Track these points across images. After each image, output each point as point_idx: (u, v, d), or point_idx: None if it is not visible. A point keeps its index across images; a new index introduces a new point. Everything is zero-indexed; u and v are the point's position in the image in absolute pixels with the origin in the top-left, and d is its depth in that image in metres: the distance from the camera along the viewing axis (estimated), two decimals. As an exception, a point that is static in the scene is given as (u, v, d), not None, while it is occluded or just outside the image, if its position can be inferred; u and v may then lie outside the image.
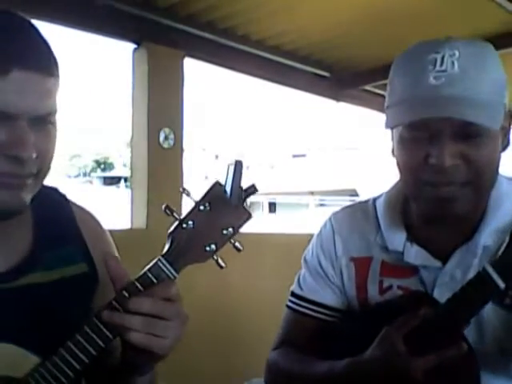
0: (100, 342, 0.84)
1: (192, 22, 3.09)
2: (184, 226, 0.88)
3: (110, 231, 1.09)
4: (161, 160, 3.16)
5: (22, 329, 0.88)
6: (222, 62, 3.58)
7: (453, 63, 0.96)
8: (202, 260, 0.89)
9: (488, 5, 2.88)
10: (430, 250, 1.10)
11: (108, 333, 0.85)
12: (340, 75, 4.05)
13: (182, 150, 3.30)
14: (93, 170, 29.03)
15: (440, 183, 0.98)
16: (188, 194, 0.89)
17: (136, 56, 3.15)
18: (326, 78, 4.07)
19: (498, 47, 3.87)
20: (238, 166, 0.88)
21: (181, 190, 0.89)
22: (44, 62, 0.82)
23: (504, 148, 1.04)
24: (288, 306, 1.28)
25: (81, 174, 27.91)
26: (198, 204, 0.89)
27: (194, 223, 0.88)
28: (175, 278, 0.87)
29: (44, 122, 0.83)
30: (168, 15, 3.00)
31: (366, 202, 1.25)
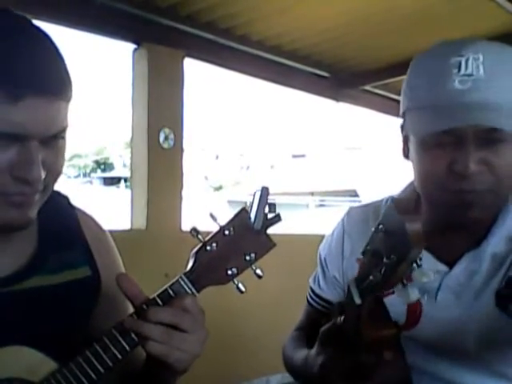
0: (117, 353, 0.86)
1: (192, 22, 3.09)
2: (208, 248, 0.90)
3: (110, 232, 1.09)
4: (161, 160, 3.16)
5: (31, 331, 0.88)
6: (222, 62, 3.58)
7: (478, 67, 0.94)
8: (222, 282, 0.91)
9: (488, 5, 2.88)
10: (437, 255, 1.08)
11: (125, 344, 0.86)
12: (340, 75, 4.06)
13: (181, 150, 3.30)
14: (93, 170, 28.99)
15: (463, 190, 0.96)
16: (214, 219, 0.91)
17: (136, 56, 3.15)
18: (325, 78, 4.07)
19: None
20: (264, 193, 0.90)
21: (209, 215, 0.91)
22: (57, 85, 0.80)
23: None
24: (307, 297, 1.32)
25: (81, 175, 27.87)
26: (222, 228, 0.91)
27: (217, 246, 0.90)
28: (195, 296, 0.89)
29: (55, 138, 0.83)
30: (168, 15, 3.00)
31: (381, 201, 1.24)
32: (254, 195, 0.91)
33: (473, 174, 0.94)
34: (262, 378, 3.72)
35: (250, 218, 0.91)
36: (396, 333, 0.94)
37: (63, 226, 0.98)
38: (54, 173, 0.85)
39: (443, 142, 0.96)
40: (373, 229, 0.85)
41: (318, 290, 1.26)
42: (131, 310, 1.00)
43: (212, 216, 0.90)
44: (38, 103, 0.77)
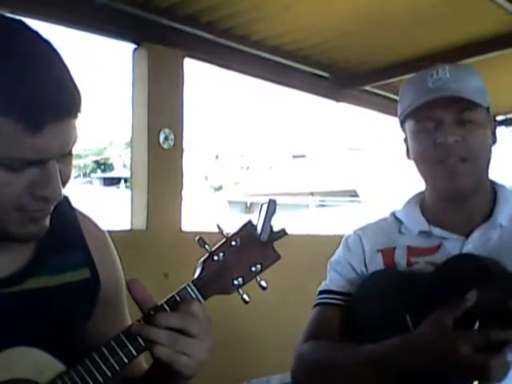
0: (124, 358, 0.87)
1: (192, 22, 3.09)
2: (215, 258, 0.93)
3: (110, 232, 1.09)
4: (161, 161, 3.16)
5: (32, 333, 0.88)
6: (222, 62, 3.58)
7: (445, 73, 1.26)
8: (228, 292, 0.94)
9: (488, 5, 2.88)
10: (452, 230, 1.29)
11: (132, 349, 0.87)
12: (340, 75, 4.05)
13: (182, 150, 3.30)
14: (93, 170, 28.94)
15: (445, 158, 1.23)
16: (221, 231, 0.93)
17: (136, 56, 3.15)
18: (325, 79, 4.07)
19: (498, 47, 3.87)
20: (271, 206, 0.93)
21: (216, 227, 0.94)
22: (71, 105, 0.80)
23: (493, 143, 1.32)
24: (315, 304, 1.39)
25: (81, 175, 27.82)
26: (229, 239, 0.93)
27: (224, 256, 0.93)
28: (201, 303, 0.91)
29: (70, 152, 0.85)
30: (168, 15, 3.00)
31: (385, 217, 1.44)
32: (261, 207, 0.94)
33: (452, 144, 1.22)
34: (262, 378, 3.72)
35: (256, 229, 0.94)
36: None
37: (63, 228, 0.98)
38: (66, 182, 0.87)
39: (426, 127, 1.27)
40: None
41: (336, 289, 1.36)
42: (128, 311, 1.00)
43: (219, 227, 0.93)
44: (57, 128, 0.78)
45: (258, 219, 0.94)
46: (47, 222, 0.87)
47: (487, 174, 1.32)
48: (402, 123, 1.36)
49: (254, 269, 0.94)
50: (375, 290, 1.28)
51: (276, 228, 0.95)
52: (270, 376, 3.70)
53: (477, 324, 1.05)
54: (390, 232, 1.38)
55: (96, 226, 1.07)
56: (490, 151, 1.30)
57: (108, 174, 28.53)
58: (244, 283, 0.94)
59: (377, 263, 1.34)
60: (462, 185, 1.24)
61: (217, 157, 30.13)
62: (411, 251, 1.31)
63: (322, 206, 20.61)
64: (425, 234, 1.31)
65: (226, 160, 29.06)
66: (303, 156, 26.26)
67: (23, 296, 0.90)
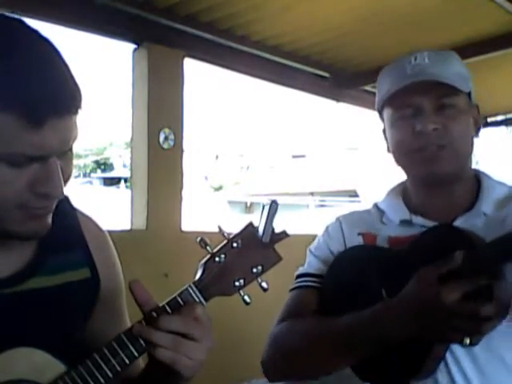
0: (125, 359, 0.87)
1: (192, 23, 3.09)
2: (216, 259, 0.93)
3: (110, 232, 1.09)
4: (161, 161, 3.16)
5: (33, 333, 0.88)
6: (222, 63, 3.58)
7: (424, 59, 1.21)
8: (229, 293, 0.94)
9: (488, 5, 2.89)
10: (434, 219, 1.23)
11: (134, 350, 0.87)
12: (340, 75, 4.06)
13: (182, 150, 3.30)
14: (93, 170, 28.93)
15: (424, 146, 1.18)
16: (223, 232, 0.94)
17: (136, 56, 3.15)
18: (325, 79, 4.07)
19: (497, 47, 3.86)
20: (273, 207, 0.93)
21: (217, 228, 0.94)
22: (72, 101, 0.80)
23: (476, 132, 1.26)
24: (292, 289, 1.37)
25: (81, 175, 27.80)
26: (230, 241, 0.93)
27: (225, 258, 0.93)
28: (203, 305, 0.91)
29: (70, 149, 0.85)
30: (168, 15, 3.00)
31: (368, 208, 1.40)
32: (263, 209, 0.94)
33: (431, 132, 1.17)
34: (262, 378, 3.71)
35: (257, 231, 0.94)
36: None
37: (63, 227, 0.98)
38: (67, 180, 0.87)
39: (405, 114, 1.21)
40: None
41: (313, 272, 1.33)
42: (127, 311, 1.00)
43: (220, 228, 0.93)
44: (58, 124, 0.78)
45: (259, 220, 0.94)
46: (49, 219, 0.87)
47: (470, 162, 1.27)
48: (380, 112, 1.31)
49: (255, 270, 0.94)
50: (349, 264, 1.25)
51: (277, 229, 0.95)
52: (270, 376, 3.70)
53: None
54: (372, 221, 1.33)
55: (96, 226, 1.07)
56: (471, 139, 1.24)
57: (108, 174, 28.51)
58: (245, 285, 0.94)
59: (356, 242, 1.30)
60: (442, 169, 1.19)
61: (217, 157, 30.11)
62: (392, 241, 1.26)
63: (322, 206, 20.61)
64: (406, 222, 1.26)
65: (226, 160, 29.06)
66: (303, 156, 26.25)
67: (24, 296, 0.90)
